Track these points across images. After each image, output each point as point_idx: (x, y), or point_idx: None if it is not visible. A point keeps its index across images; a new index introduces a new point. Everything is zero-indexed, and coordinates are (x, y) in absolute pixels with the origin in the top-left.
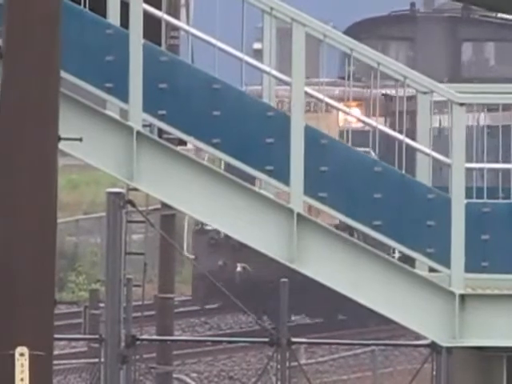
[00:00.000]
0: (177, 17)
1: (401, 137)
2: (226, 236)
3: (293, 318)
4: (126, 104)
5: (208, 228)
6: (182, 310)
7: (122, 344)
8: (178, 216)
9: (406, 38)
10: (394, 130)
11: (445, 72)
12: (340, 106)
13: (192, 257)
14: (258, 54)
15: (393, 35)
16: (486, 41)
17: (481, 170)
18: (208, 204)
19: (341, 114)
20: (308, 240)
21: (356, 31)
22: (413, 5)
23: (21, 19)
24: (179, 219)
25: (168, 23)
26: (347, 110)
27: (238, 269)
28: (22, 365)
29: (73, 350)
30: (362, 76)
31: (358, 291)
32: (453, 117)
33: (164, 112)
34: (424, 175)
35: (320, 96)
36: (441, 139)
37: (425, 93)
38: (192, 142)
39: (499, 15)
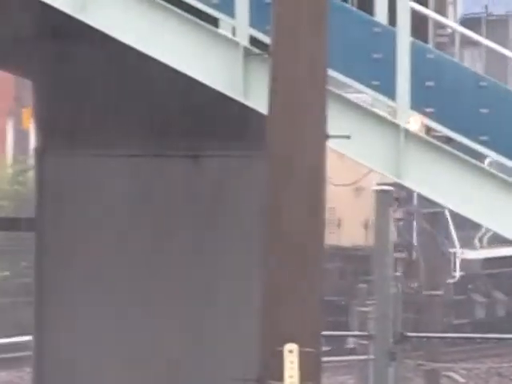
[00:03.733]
0: (444, 14)
1: None
2: None
3: None
4: (393, 101)
5: None
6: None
7: (391, 341)
8: None
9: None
10: None
11: None
12: None
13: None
14: None
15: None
16: None
17: None
18: (478, 203)
19: None
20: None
21: None
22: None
23: (289, 18)
24: None
25: (435, 21)
26: None
27: None
28: (292, 362)
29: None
30: None
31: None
32: None
33: (431, 109)
34: None
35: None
36: None
37: None
38: (460, 140)
39: None
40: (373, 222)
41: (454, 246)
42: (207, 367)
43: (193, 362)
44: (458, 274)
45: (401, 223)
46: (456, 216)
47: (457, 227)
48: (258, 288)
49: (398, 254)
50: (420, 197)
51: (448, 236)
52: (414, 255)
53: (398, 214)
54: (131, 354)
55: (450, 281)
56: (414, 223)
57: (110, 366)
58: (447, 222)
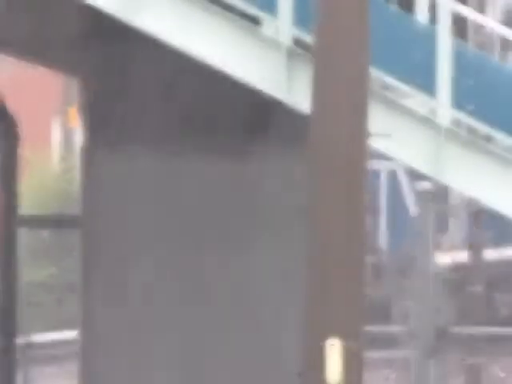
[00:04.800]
0: (483, 11)
1: None
2: None
3: None
4: (434, 100)
5: None
6: None
7: (433, 336)
8: None
9: None
10: None
11: None
12: None
13: None
14: None
15: None
16: None
17: None
18: None
19: None
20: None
21: None
22: None
23: (331, 19)
24: None
25: (474, 20)
26: None
27: None
28: (334, 356)
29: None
30: None
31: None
32: None
33: (471, 108)
34: None
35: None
36: None
37: None
38: (499, 137)
39: None
40: None
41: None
42: (255, 363)
43: (245, 359)
44: None
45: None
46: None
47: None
48: (300, 285)
49: None
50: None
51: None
52: None
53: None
54: (179, 353)
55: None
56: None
57: (155, 366)
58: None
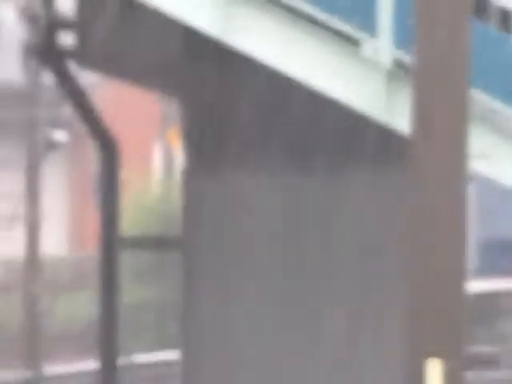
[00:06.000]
0: None
1: None
2: None
3: None
4: None
5: None
6: None
7: None
8: None
9: None
10: None
11: None
12: None
13: None
14: None
15: None
16: None
17: None
18: None
19: None
20: None
21: None
22: None
23: (432, 40)
24: None
25: None
26: None
27: None
28: (435, 377)
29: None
30: None
31: None
32: None
33: None
34: None
35: None
36: None
37: None
38: None
39: None
40: None
41: None
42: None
43: (344, 368)
44: None
45: None
46: None
47: None
48: (401, 302)
49: None
50: None
51: None
52: None
53: None
54: (287, 374)
55: None
56: None
57: None
58: None
